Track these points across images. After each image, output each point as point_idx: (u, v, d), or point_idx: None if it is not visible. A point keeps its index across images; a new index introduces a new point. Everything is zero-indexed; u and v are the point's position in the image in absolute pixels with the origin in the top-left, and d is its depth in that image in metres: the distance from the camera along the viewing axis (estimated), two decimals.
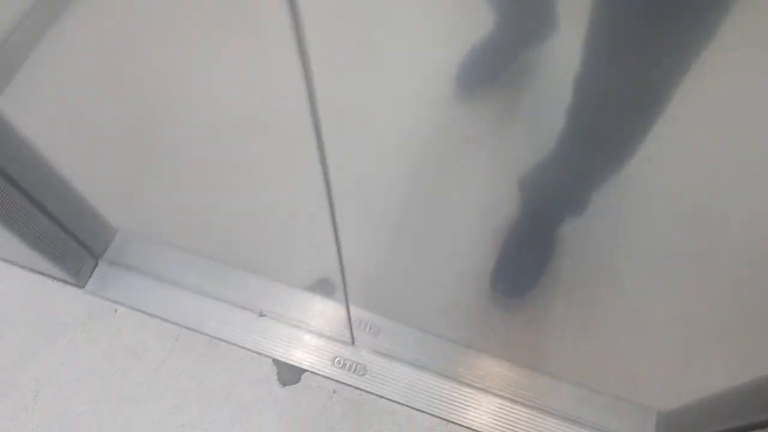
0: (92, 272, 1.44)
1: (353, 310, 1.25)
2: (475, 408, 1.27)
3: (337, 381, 1.30)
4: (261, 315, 1.38)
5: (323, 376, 1.31)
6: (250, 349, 1.34)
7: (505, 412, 1.26)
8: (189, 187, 1.14)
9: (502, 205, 0.81)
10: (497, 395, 1.27)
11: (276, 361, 1.33)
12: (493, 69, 0.66)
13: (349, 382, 1.30)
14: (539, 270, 0.79)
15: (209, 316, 1.38)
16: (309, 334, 1.35)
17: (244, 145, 0.98)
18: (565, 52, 0.62)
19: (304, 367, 1.32)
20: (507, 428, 1.25)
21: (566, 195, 0.69)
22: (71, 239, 1.33)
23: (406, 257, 1.08)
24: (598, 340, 1.10)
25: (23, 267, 1.45)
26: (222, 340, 1.36)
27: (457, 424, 1.25)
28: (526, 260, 0.77)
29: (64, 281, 1.43)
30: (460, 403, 1.27)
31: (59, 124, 1.03)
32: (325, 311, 1.33)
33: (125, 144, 1.05)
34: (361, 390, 1.29)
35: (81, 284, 1.43)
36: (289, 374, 1.32)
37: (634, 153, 0.63)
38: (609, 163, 0.66)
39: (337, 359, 1.32)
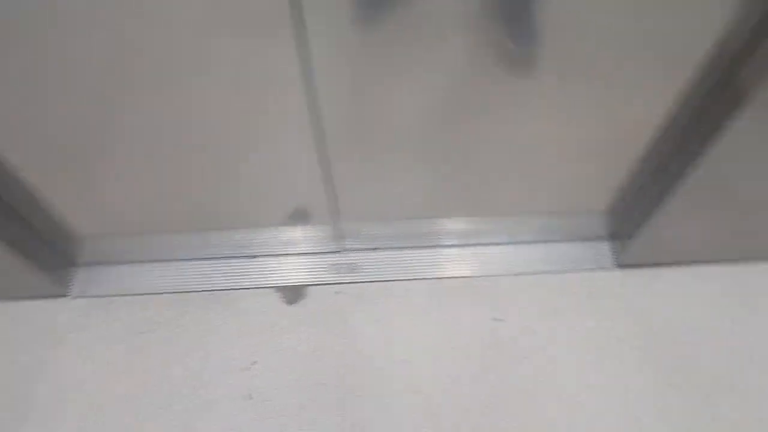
0: (72, 278, 1.48)
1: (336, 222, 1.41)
2: (457, 261, 1.48)
3: (336, 283, 1.46)
4: (252, 257, 1.50)
5: (323, 284, 1.46)
6: (249, 288, 1.46)
7: (480, 255, 1.49)
8: (148, 178, 1.21)
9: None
10: (471, 245, 1.50)
11: (278, 288, 1.46)
12: None
13: (347, 281, 1.46)
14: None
15: (204, 275, 1.47)
16: (299, 257, 1.50)
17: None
18: None
19: (304, 283, 1.46)
20: (486, 267, 1.47)
21: None
22: (46, 248, 1.38)
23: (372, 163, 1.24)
24: (533, 168, 1.32)
25: (9, 298, 1.46)
26: (223, 289, 1.46)
27: (447, 277, 1.46)
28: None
29: (49, 296, 1.46)
30: (442, 261, 1.48)
31: (26, 133, 1.08)
32: (305, 235, 1.48)
33: (85, 147, 1.11)
34: (359, 282, 1.46)
35: (65, 292, 1.46)
36: (293, 294, 1.45)
37: None
38: None
39: (331, 267, 1.48)
